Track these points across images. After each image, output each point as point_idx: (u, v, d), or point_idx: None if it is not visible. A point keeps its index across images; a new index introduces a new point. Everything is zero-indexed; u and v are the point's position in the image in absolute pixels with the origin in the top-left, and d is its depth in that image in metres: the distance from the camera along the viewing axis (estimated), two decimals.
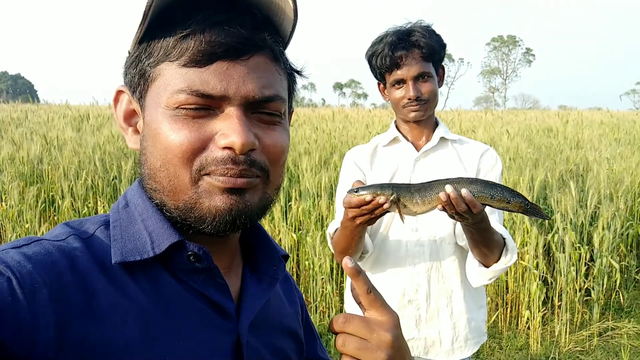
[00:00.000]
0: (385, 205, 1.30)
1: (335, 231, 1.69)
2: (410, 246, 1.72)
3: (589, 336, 3.88)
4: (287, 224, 4.29)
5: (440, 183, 1.31)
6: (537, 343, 3.77)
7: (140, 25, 0.63)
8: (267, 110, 0.66)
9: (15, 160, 5.81)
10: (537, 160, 5.64)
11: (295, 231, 4.35)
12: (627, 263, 4.74)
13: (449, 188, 1.28)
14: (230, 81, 0.62)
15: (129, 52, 0.67)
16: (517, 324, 4.08)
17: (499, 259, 1.56)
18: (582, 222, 4.44)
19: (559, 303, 4.04)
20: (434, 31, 1.72)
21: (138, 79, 0.66)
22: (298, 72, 0.74)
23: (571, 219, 4.10)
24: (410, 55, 1.68)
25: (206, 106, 0.62)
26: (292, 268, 4.31)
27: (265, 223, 4.22)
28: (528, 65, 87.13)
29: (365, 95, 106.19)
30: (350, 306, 1.85)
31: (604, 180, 4.53)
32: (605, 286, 4.23)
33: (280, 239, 4.11)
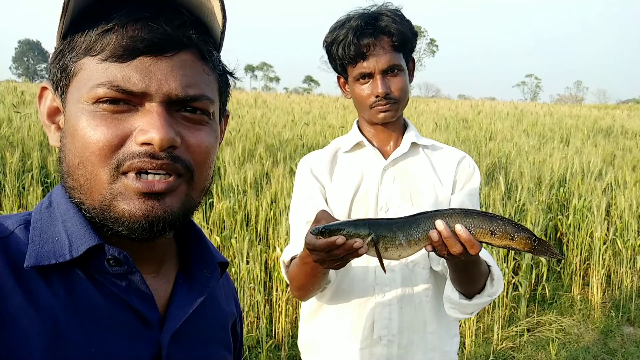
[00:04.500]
0: (362, 250, 1.04)
1: (292, 260, 1.37)
2: (380, 272, 1.45)
3: (519, 332, 3.90)
4: (208, 224, 3.84)
5: (428, 217, 1.08)
6: (473, 343, 3.71)
7: (60, 19, 0.61)
8: (192, 108, 0.64)
9: None
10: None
11: (218, 233, 3.90)
12: None
13: (440, 224, 1.05)
14: (153, 78, 0.60)
15: (55, 48, 0.66)
16: None
17: (482, 288, 1.33)
18: (509, 215, 4.47)
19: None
20: (404, 16, 1.47)
21: (60, 74, 0.64)
22: (230, 74, 0.73)
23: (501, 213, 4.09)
24: (378, 44, 1.40)
25: (126, 101, 0.60)
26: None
27: None
28: (432, 55, 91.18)
29: (277, 79, 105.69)
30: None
31: (527, 173, 4.61)
32: (533, 281, 4.29)
33: None
